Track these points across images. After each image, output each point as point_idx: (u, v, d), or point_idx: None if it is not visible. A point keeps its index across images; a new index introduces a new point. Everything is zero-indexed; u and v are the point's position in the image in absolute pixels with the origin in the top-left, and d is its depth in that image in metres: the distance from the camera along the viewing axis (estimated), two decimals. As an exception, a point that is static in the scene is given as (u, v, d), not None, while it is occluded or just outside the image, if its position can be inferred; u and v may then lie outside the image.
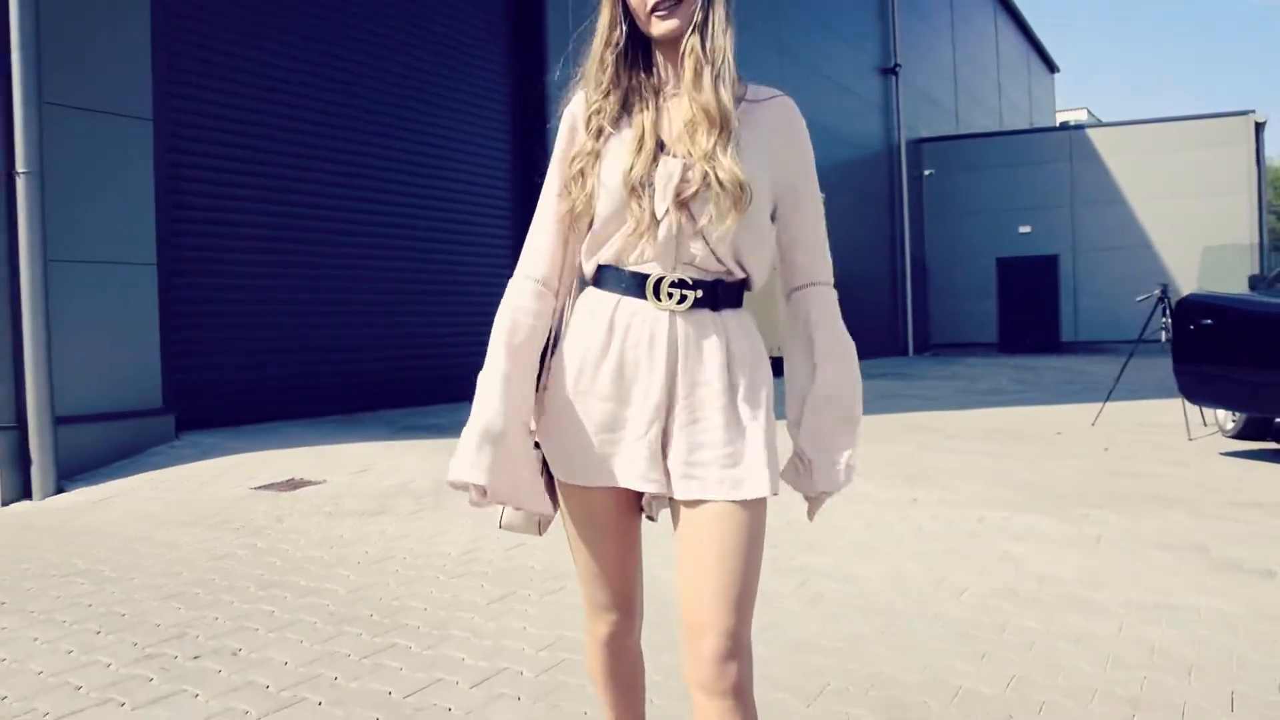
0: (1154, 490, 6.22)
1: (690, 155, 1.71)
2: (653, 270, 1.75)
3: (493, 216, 11.91)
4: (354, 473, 6.68)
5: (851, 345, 1.88)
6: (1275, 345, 7.15)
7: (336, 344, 10.04)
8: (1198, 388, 7.74)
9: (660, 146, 1.73)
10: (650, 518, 1.90)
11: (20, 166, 6.87)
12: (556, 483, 1.86)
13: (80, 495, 6.61)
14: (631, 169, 1.71)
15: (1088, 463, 7.34)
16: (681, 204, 1.70)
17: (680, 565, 1.78)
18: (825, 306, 1.86)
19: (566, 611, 3.84)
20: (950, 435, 8.85)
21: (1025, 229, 26.15)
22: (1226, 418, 8.73)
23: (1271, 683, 3.13)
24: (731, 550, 1.73)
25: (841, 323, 1.87)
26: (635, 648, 1.99)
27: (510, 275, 1.85)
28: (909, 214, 25.81)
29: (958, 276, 26.65)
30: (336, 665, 3.32)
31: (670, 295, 1.75)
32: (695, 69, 1.71)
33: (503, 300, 1.84)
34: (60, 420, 7.00)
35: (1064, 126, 28.16)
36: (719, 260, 1.76)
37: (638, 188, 1.71)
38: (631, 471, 1.75)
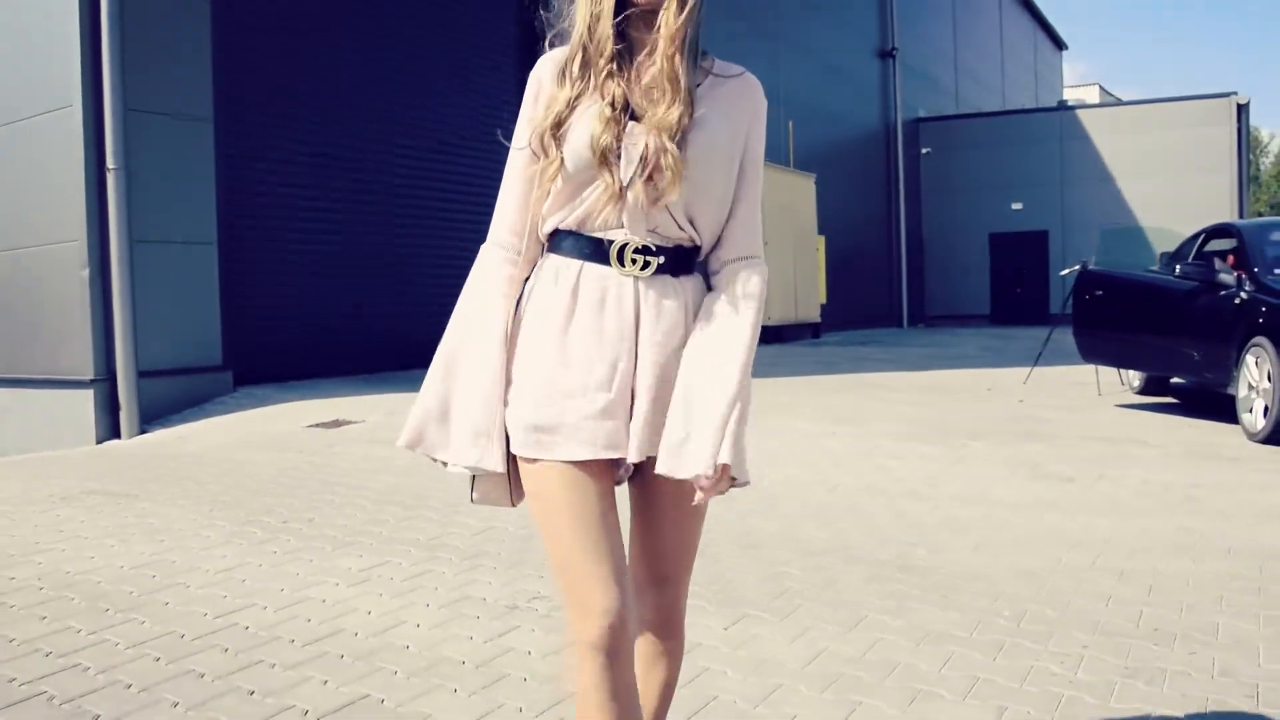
0: (1033, 429, 7.68)
1: (653, 125, 1.72)
2: (617, 236, 1.76)
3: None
4: (386, 415, 8.20)
5: (753, 337, 1.82)
6: (1147, 312, 8.58)
7: (370, 312, 11.52)
8: (1091, 348, 9.19)
9: (631, 115, 1.73)
10: (617, 482, 1.85)
11: (110, 163, 8.37)
12: (524, 466, 1.80)
13: (161, 434, 8.14)
14: (600, 136, 1.71)
15: (998, 410, 8.79)
16: (648, 175, 1.71)
17: (638, 520, 1.88)
18: (759, 282, 1.83)
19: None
20: (894, 390, 10.32)
21: (1017, 206, 27.42)
22: (1135, 376, 10.16)
23: (1013, 538, 4.62)
24: (688, 511, 1.85)
25: (762, 303, 1.84)
26: (632, 653, 1.80)
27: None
28: (905, 191, 27.09)
29: (952, 251, 27.96)
30: (381, 525, 4.86)
31: (634, 261, 1.76)
32: (669, 38, 1.71)
33: (473, 268, 1.89)
34: (142, 374, 8.52)
35: (1056, 107, 29.39)
36: (680, 228, 1.78)
37: (607, 155, 1.71)
38: (603, 440, 1.74)
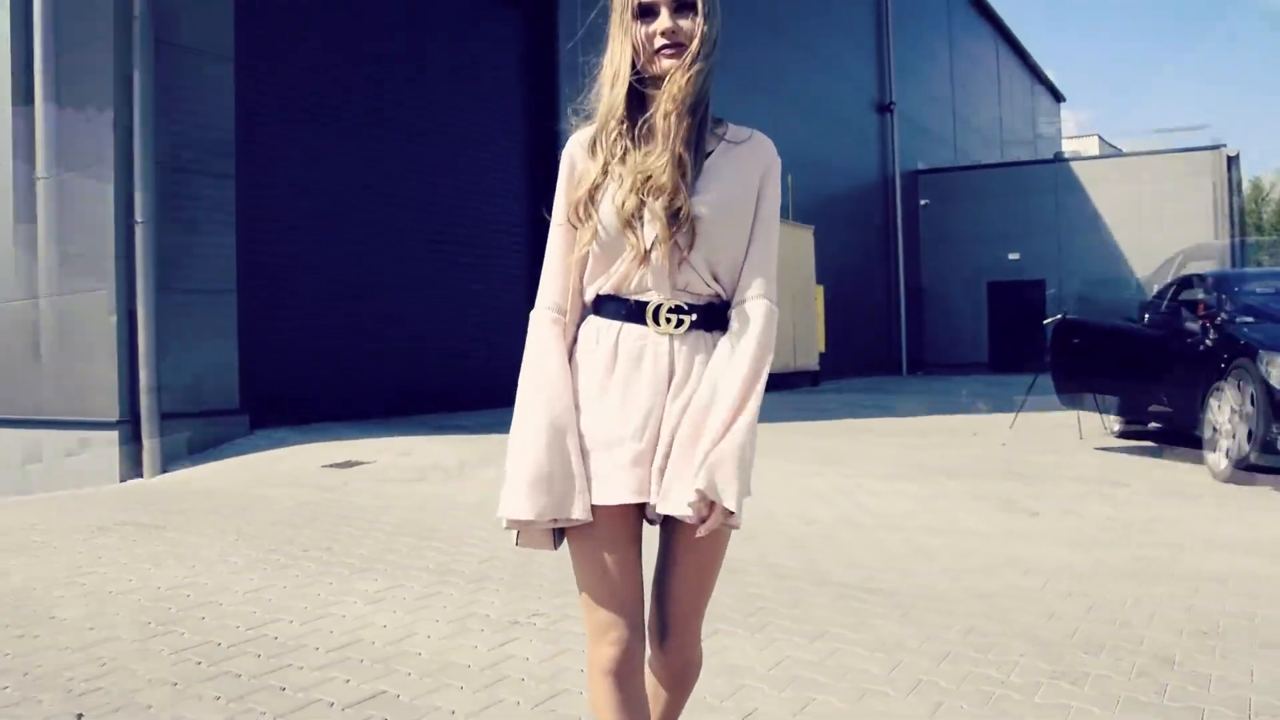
0: (1011, 469, 8.08)
1: (635, 171, 1.89)
2: (651, 298, 1.92)
3: (513, 250, 13.89)
4: (397, 455, 8.63)
5: (757, 376, 1.92)
6: (1120, 358, 9.02)
7: (382, 359, 11.98)
8: (1068, 393, 9.61)
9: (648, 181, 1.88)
10: (650, 521, 2.00)
11: (138, 217, 8.87)
12: None
13: (182, 474, 8.56)
14: (624, 204, 1.87)
15: (980, 452, 9.20)
16: (669, 236, 1.87)
17: (659, 564, 2.04)
18: (759, 319, 1.94)
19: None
20: (883, 434, 10.73)
21: (1014, 255, 27.92)
22: (1115, 420, 10.57)
23: (975, 565, 5.02)
24: (707, 559, 2.00)
25: (772, 345, 1.95)
26: (642, 676, 2.00)
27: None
28: (904, 241, 27.62)
29: (951, 300, 28.43)
30: (394, 553, 5.28)
31: (669, 320, 1.92)
32: (670, 97, 1.87)
33: (529, 335, 2.00)
34: (163, 416, 8.96)
35: (1052, 159, 29.97)
36: (708, 285, 1.93)
37: (632, 220, 1.88)
38: (632, 487, 1.88)
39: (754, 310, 1.94)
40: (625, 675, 1.92)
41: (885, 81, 27.04)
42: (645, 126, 1.92)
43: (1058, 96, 45.89)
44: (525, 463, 1.89)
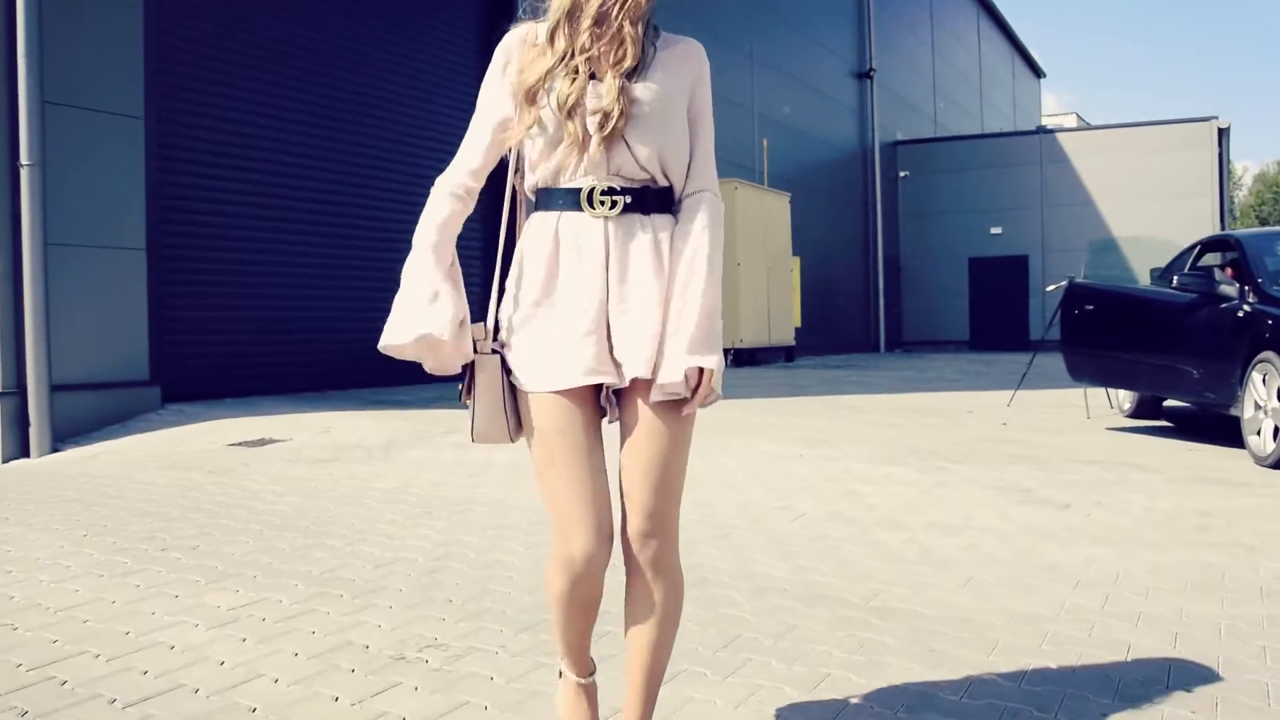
0: (1018, 452, 7.06)
1: (612, 81, 1.95)
2: (584, 183, 1.97)
3: (465, 221, 12.72)
4: (317, 433, 7.52)
5: (713, 252, 2.03)
6: (1141, 327, 8.00)
7: (312, 326, 10.84)
8: (1080, 367, 8.59)
9: (592, 75, 1.96)
10: (608, 421, 2.05)
11: (24, 159, 7.66)
12: (523, 398, 2.01)
13: (73, 453, 7.41)
14: (568, 95, 1.94)
15: (979, 433, 8.18)
16: (605, 122, 1.93)
17: (623, 459, 2.02)
18: (705, 211, 2.02)
19: (463, 533, 4.68)
20: (868, 412, 9.69)
21: (996, 230, 26.97)
22: (1125, 398, 9.58)
23: (1005, 575, 3.98)
24: (672, 446, 1.98)
25: (720, 229, 2.05)
26: (601, 576, 2.01)
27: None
28: (883, 214, 26.60)
29: (931, 276, 27.47)
30: (273, 555, 4.18)
31: (603, 203, 1.97)
32: (637, 13, 1.96)
33: (430, 198, 2.13)
34: (56, 388, 7.78)
35: (1036, 130, 28.95)
36: (643, 168, 1.99)
37: (574, 111, 1.94)
38: (581, 368, 1.94)
39: (700, 202, 2.04)
40: (589, 568, 1.96)
41: (865, 51, 26.01)
42: (603, 28, 1.97)
43: (1038, 73, 45.01)
44: (408, 288, 2.04)
